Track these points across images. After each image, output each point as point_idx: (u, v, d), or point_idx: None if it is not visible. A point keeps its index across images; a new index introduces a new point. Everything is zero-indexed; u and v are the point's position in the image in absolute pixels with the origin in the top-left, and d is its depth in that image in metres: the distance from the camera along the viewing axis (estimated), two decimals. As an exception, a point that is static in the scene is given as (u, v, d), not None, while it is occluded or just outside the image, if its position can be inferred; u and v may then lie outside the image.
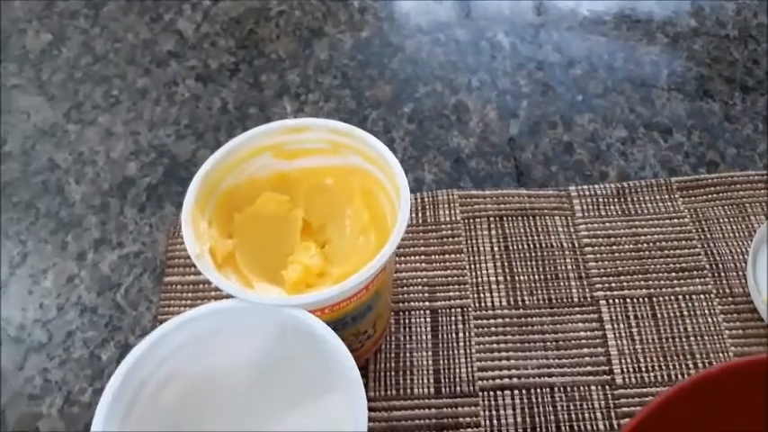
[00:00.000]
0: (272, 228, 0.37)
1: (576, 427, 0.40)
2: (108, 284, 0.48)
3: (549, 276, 0.46)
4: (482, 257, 0.47)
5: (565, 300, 0.45)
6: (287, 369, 0.33)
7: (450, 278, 0.47)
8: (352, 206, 0.38)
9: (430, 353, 0.44)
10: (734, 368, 0.30)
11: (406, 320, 0.45)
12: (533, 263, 0.47)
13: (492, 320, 0.45)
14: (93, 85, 0.59)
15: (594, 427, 0.40)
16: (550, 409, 0.41)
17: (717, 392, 0.30)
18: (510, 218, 0.49)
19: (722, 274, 0.46)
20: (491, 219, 0.49)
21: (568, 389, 0.42)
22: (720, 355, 0.43)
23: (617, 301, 0.45)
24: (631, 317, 0.44)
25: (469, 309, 0.45)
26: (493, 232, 0.48)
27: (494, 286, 0.46)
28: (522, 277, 0.46)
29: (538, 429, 0.40)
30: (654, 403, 0.28)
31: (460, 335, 0.44)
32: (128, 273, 0.48)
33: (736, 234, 0.48)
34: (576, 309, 0.45)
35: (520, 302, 0.45)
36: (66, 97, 0.58)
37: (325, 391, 0.32)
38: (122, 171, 0.53)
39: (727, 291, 0.45)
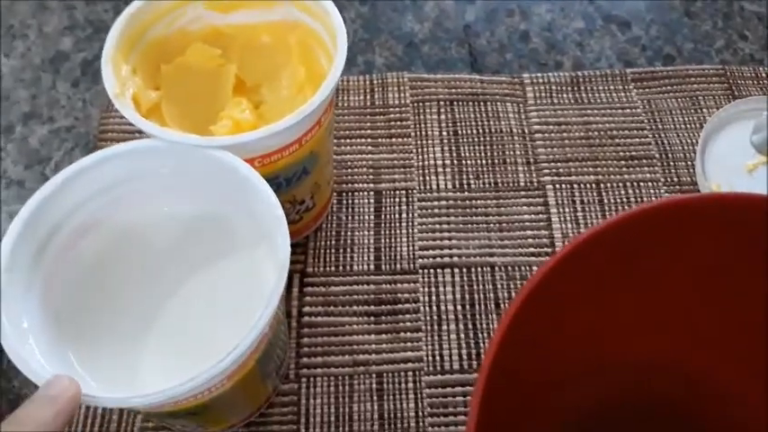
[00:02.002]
0: (201, 81, 0.35)
1: (515, 306, 0.40)
2: (37, 158, 0.45)
3: (496, 161, 0.45)
4: (430, 141, 0.46)
5: (511, 184, 0.44)
6: (213, 218, 0.32)
7: (395, 161, 0.45)
8: (289, 64, 0.36)
9: (372, 232, 0.42)
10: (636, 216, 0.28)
11: (349, 201, 0.44)
12: (482, 147, 0.46)
13: (436, 203, 0.44)
14: (25, -43, 0.55)
15: (533, 304, 0.40)
16: (490, 287, 0.40)
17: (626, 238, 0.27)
18: (461, 102, 0.47)
19: (671, 164, 0.45)
20: (441, 103, 0.47)
21: (509, 268, 0.41)
22: (664, 241, 0.42)
23: (564, 186, 0.44)
24: (577, 202, 0.44)
25: (414, 191, 0.44)
26: (442, 117, 0.47)
27: (440, 170, 0.45)
28: (469, 161, 0.45)
29: (477, 306, 0.40)
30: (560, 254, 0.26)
31: (403, 215, 0.43)
32: (58, 147, 0.46)
33: (688, 125, 0.47)
34: (522, 193, 0.44)
35: (465, 186, 0.44)
36: (-4, -32, 0.54)
37: (252, 240, 0.31)
38: (56, 45, 0.50)
39: (675, 179, 0.45)
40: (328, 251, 0.42)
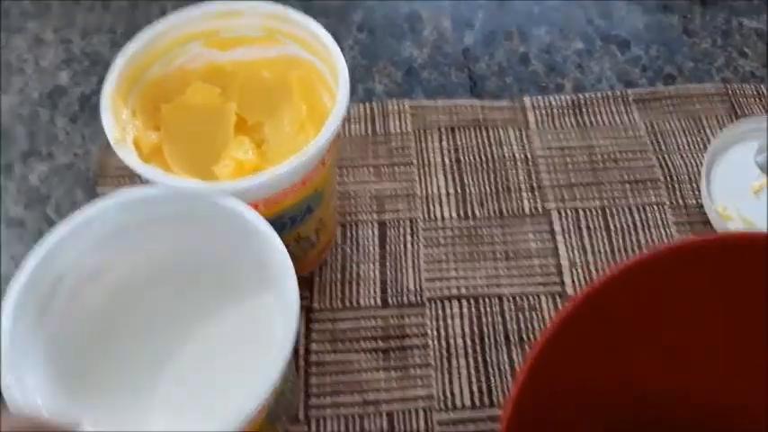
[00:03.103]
0: (202, 120, 0.34)
1: (525, 337, 0.39)
2: (37, 197, 0.45)
3: (500, 188, 0.45)
4: (433, 169, 0.46)
5: (516, 211, 0.44)
6: (219, 264, 0.31)
7: (399, 190, 0.45)
8: (290, 102, 0.36)
9: (377, 264, 0.42)
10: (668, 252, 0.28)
11: (353, 233, 0.43)
12: (485, 174, 0.45)
13: (441, 232, 0.43)
14: (20, -9, 0.55)
15: (543, 334, 0.39)
16: (499, 318, 0.40)
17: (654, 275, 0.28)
18: (462, 129, 0.47)
19: (676, 186, 0.45)
20: (443, 130, 0.47)
21: (518, 299, 0.41)
22: (672, 265, 0.42)
23: (569, 212, 0.44)
24: (583, 228, 0.43)
25: (418, 221, 0.44)
26: (444, 144, 0.47)
27: (444, 198, 0.44)
28: (472, 189, 0.45)
29: (486, 339, 0.39)
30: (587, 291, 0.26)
31: (408, 246, 0.43)
32: (58, 185, 0.45)
33: (692, 146, 0.47)
34: (528, 220, 0.44)
35: (470, 214, 0.44)
36: (-9, 3, 0.54)
37: (259, 285, 0.30)
38: (53, 80, 0.50)
39: (681, 202, 0.44)
40: (334, 285, 0.41)
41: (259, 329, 0.30)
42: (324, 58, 0.33)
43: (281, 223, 0.33)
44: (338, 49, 0.32)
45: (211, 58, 0.35)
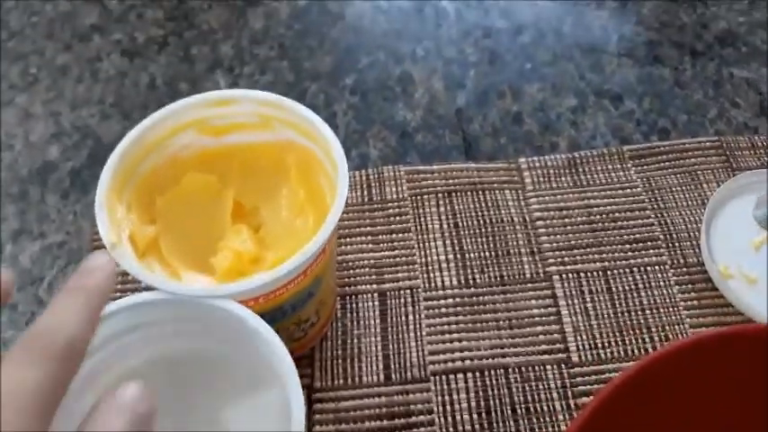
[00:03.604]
0: (198, 211, 0.34)
1: (532, 409, 0.39)
2: (29, 278, 0.44)
3: (500, 253, 0.44)
4: (431, 235, 0.45)
5: (517, 276, 0.43)
6: (217, 365, 0.30)
7: (398, 258, 0.44)
8: (288, 185, 0.35)
9: (379, 338, 0.41)
10: (682, 348, 0.29)
11: (353, 305, 0.43)
12: (484, 239, 0.45)
13: (442, 301, 0.43)
14: (8, 63, 0.54)
15: (551, 407, 0.39)
16: (505, 391, 0.39)
17: (669, 373, 0.28)
18: (459, 193, 0.47)
19: (676, 245, 0.45)
20: (439, 195, 0.47)
21: (523, 369, 0.40)
22: (676, 327, 0.41)
23: (570, 275, 0.43)
24: (585, 291, 0.43)
25: (419, 289, 0.43)
26: (441, 209, 0.46)
27: (443, 265, 0.44)
28: (472, 254, 0.44)
29: (493, 413, 0.39)
30: (605, 392, 0.27)
31: (410, 317, 0.42)
32: (51, 265, 0.44)
33: (689, 203, 0.46)
34: (529, 285, 0.43)
35: (471, 281, 0.43)
36: (-21, 76, 0.54)
37: (261, 386, 0.30)
38: (43, 155, 0.49)
39: (682, 261, 0.44)
40: (335, 362, 0.40)
41: (261, 428, 0.29)
42: (321, 145, 0.33)
43: (282, 311, 0.33)
44: (335, 137, 0.32)
45: (205, 145, 0.35)
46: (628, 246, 0.45)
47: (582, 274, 0.43)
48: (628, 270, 0.44)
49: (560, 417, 0.38)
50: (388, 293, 0.43)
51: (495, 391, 0.39)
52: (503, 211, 0.46)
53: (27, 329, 0.20)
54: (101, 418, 0.19)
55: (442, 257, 0.44)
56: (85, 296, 0.21)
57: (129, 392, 0.20)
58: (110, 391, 0.20)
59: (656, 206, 0.46)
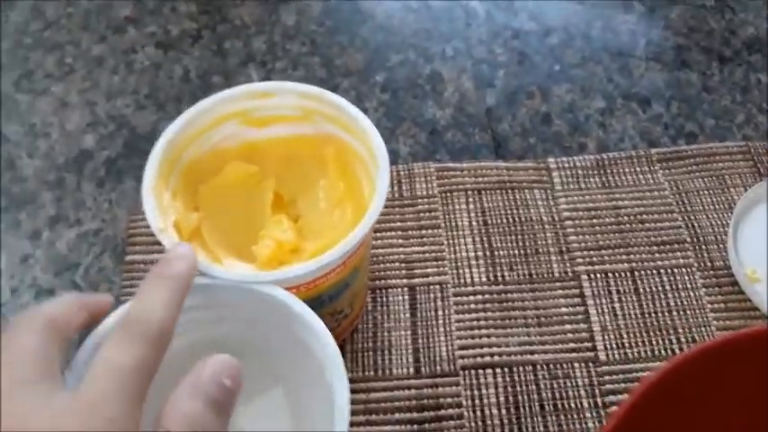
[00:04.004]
0: (240, 200, 0.35)
1: (560, 405, 0.39)
2: (65, 264, 0.45)
3: (528, 251, 0.45)
4: (460, 232, 0.46)
5: (545, 275, 0.44)
6: (261, 351, 0.31)
7: (427, 254, 0.45)
8: (327, 177, 0.36)
9: (408, 331, 0.42)
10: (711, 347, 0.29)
11: (384, 298, 0.43)
12: (513, 237, 0.45)
13: (471, 297, 0.43)
14: (44, 53, 0.55)
15: (579, 404, 0.39)
16: (533, 387, 0.40)
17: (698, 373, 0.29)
18: (488, 191, 0.47)
19: (703, 247, 0.45)
20: (469, 192, 0.47)
21: (551, 366, 0.40)
22: (702, 329, 0.42)
23: (598, 275, 0.44)
24: (613, 292, 0.43)
25: (448, 285, 0.44)
26: (471, 206, 0.47)
27: (473, 262, 0.45)
28: (501, 252, 0.45)
29: (521, 408, 0.39)
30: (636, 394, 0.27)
31: (439, 312, 0.43)
32: (87, 252, 0.45)
33: (717, 206, 0.47)
34: (558, 284, 0.44)
35: (500, 278, 0.44)
36: (16, 65, 0.54)
37: (304, 373, 0.30)
38: (78, 144, 0.50)
39: (709, 264, 0.44)
40: (366, 354, 0.41)
41: (299, 418, 0.30)
42: (361, 140, 0.33)
43: (321, 301, 0.33)
44: (375, 129, 0.33)
45: (247, 136, 0.36)
46: (655, 247, 0.45)
47: (610, 275, 0.44)
48: (655, 271, 0.44)
49: (587, 414, 0.39)
50: (417, 288, 0.44)
51: (524, 387, 0.40)
52: (532, 210, 0.46)
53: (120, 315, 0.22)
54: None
55: (471, 254, 0.45)
56: (171, 284, 0.23)
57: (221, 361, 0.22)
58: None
59: (683, 209, 0.47)
